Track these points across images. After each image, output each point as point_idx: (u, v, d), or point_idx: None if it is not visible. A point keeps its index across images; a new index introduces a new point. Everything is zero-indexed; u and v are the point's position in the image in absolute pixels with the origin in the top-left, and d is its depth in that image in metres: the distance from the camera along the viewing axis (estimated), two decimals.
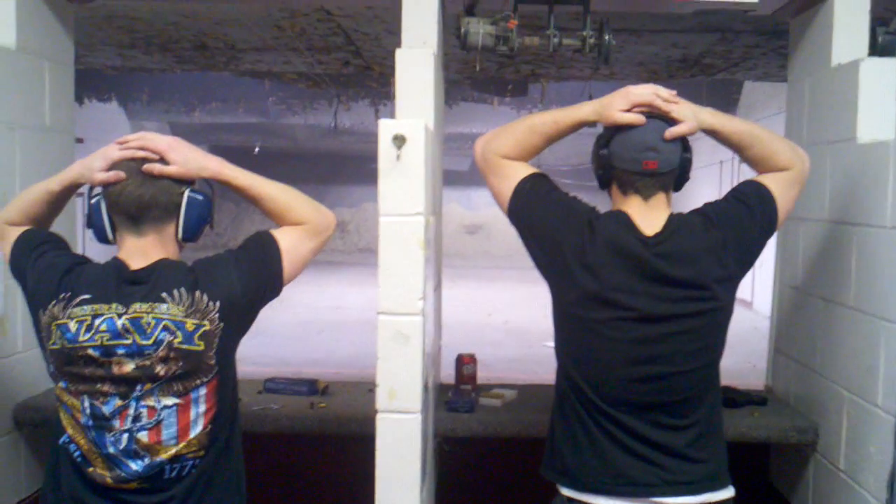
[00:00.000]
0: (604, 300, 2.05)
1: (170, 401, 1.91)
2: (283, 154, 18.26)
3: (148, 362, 1.89)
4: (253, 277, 2.00)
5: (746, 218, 2.10)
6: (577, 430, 2.12)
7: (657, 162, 2.05)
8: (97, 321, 1.90)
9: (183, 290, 1.94)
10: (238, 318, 1.99)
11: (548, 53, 3.16)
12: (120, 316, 1.90)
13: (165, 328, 1.91)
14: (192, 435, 1.94)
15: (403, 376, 2.27)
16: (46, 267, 1.99)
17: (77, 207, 2.88)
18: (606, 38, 3.05)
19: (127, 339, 1.89)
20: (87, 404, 1.91)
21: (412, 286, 2.26)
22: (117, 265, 1.97)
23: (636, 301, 2.04)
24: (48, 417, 2.79)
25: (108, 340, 1.89)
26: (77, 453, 1.94)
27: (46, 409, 2.84)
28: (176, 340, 1.91)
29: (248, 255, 2.03)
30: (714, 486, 2.08)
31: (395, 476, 2.26)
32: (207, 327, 1.94)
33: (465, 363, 3.09)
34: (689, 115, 2.08)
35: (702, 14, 3.41)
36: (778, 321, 3.26)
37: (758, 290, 11.69)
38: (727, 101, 11.68)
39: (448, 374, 3.22)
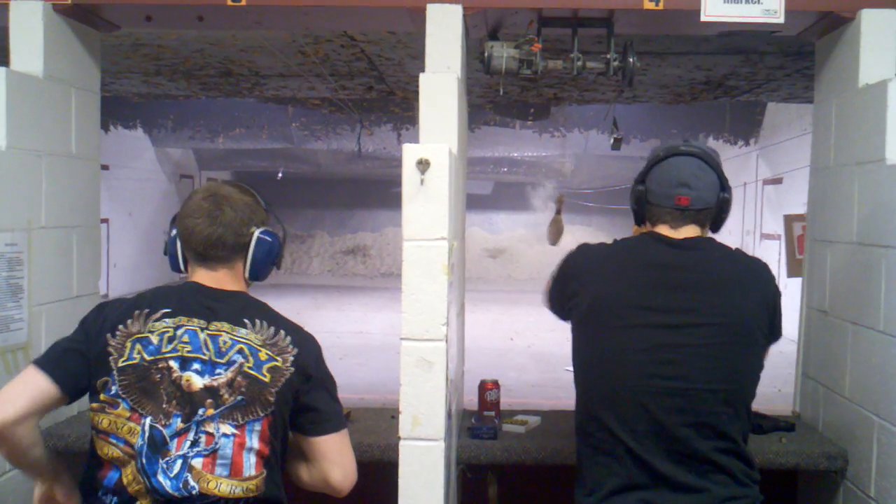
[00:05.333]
0: (617, 306, 2.06)
1: (228, 429, 1.89)
2: (307, 179, 18.35)
3: (216, 383, 1.89)
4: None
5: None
6: (594, 461, 2.09)
7: (689, 198, 2.07)
8: (179, 331, 1.91)
9: (265, 322, 1.97)
10: (303, 379, 1.98)
11: (571, 77, 3.15)
12: (202, 330, 1.92)
13: (240, 351, 1.92)
14: (245, 473, 1.90)
15: (427, 403, 2.26)
16: (105, 306, 2.00)
17: (104, 236, 2.89)
18: (631, 60, 3.05)
19: (205, 354, 1.90)
20: (147, 426, 1.87)
21: (436, 311, 2.25)
22: (195, 286, 2.00)
23: (653, 305, 2.05)
24: (71, 445, 2.79)
25: (188, 353, 1.90)
26: (114, 500, 1.89)
27: (70, 436, 2.84)
28: (247, 365, 1.92)
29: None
30: None
31: None
32: (279, 364, 1.94)
33: (488, 389, 3.07)
34: None
35: (726, 36, 3.39)
36: (805, 345, 3.21)
37: (783, 313, 11.50)
38: (751, 122, 11.56)
39: (471, 399, 3.20)
